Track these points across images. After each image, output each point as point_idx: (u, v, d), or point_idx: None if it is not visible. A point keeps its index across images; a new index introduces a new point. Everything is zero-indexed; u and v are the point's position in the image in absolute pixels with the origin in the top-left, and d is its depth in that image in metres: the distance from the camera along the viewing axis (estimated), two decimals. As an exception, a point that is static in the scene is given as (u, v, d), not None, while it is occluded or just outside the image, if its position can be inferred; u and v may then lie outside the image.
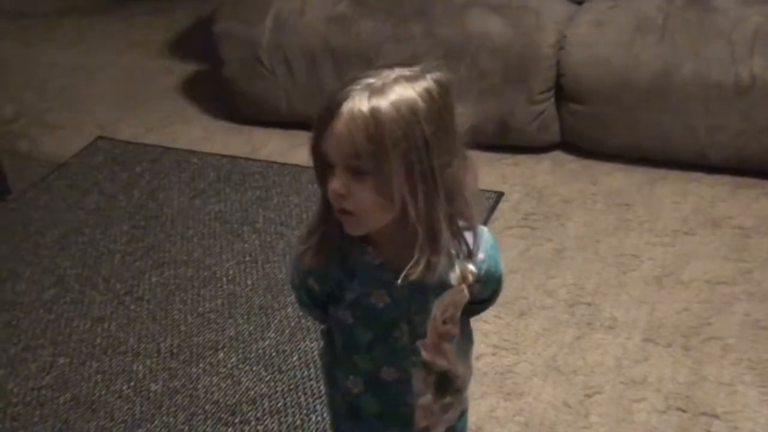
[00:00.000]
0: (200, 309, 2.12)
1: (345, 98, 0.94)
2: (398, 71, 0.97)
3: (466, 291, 1.10)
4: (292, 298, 2.12)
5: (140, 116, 3.15)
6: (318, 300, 1.17)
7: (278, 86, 2.81)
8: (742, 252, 2.12)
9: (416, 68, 0.99)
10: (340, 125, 0.94)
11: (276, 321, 2.06)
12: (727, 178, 2.38)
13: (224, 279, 2.22)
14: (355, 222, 1.01)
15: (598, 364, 1.88)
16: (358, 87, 0.95)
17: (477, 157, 2.98)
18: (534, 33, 2.47)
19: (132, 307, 2.15)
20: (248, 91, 2.88)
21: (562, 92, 2.50)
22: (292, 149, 2.84)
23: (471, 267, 1.09)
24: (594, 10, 2.48)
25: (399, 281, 1.02)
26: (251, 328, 2.05)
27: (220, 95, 3.08)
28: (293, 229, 2.40)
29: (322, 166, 0.99)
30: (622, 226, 2.30)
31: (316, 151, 0.99)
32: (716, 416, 1.70)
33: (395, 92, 0.95)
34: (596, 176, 2.51)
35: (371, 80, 0.96)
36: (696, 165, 2.43)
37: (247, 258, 2.29)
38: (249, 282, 2.20)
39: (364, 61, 2.66)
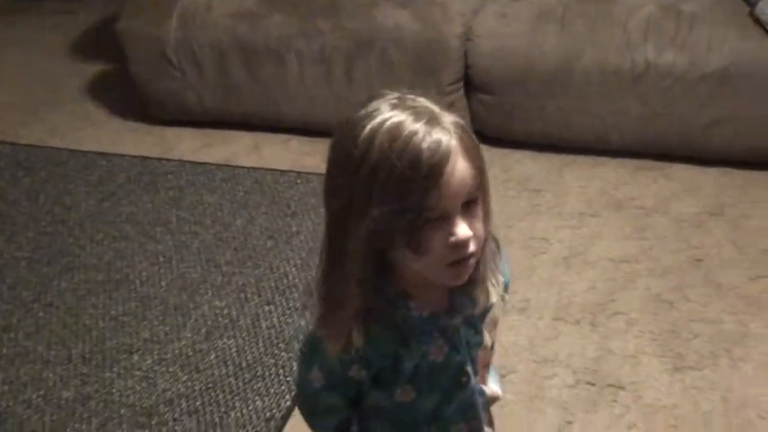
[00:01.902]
0: (113, 312, 2.08)
1: (433, 149, 0.82)
2: (402, 98, 0.88)
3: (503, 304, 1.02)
4: (209, 296, 2.11)
5: (45, 120, 3.06)
6: (352, 397, 1.00)
7: (188, 85, 2.78)
8: (643, 231, 2.21)
9: (394, 95, 0.89)
10: (450, 169, 0.82)
11: (192, 320, 2.04)
12: (628, 161, 2.47)
13: (137, 281, 2.18)
14: (473, 264, 0.88)
15: (512, 344, 1.93)
16: (418, 127, 0.83)
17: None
18: (441, 25, 2.51)
19: (40, 314, 2.09)
20: (157, 91, 2.84)
21: (470, 83, 2.55)
22: (205, 147, 2.81)
23: (500, 277, 1.00)
24: (498, 2, 2.54)
25: (475, 311, 0.94)
26: (166, 329, 2.02)
27: (128, 96, 3.02)
28: (207, 228, 2.38)
29: (402, 228, 0.84)
30: (532, 211, 2.36)
31: (408, 214, 0.83)
32: (622, 387, 1.77)
33: (439, 110, 0.87)
34: (507, 164, 2.57)
35: (410, 115, 0.84)
36: (600, 149, 2.51)
37: (161, 259, 2.26)
38: (163, 283, 2.17)
39: (274, 57, 2.66)
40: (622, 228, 2.24)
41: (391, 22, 2.53)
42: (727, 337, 1.85)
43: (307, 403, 1.05)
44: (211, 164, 2.69)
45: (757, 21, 2.21)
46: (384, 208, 0.82)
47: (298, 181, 2.56)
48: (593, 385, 1.78)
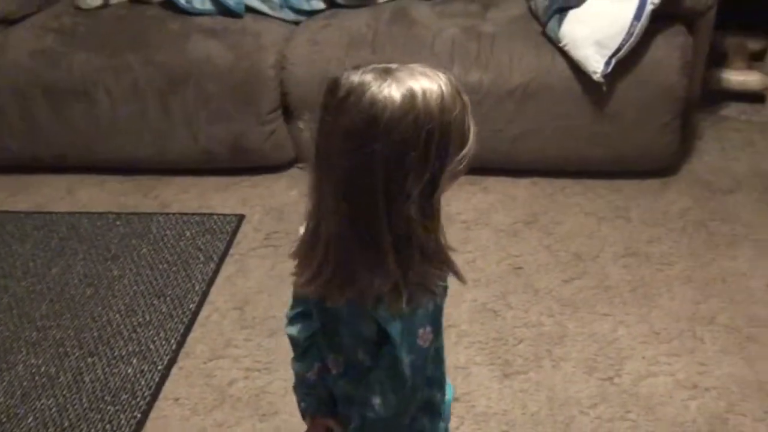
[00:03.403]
0: None
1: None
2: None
3: None
4: (24, 354, 1.97)
5: None
6: None
7: (-12, 129, 2.59)
8: (466, 244, 2.29)
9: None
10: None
11: (5, 383, 1.89)
12: (451, 178, 2.56)
13: (-60, 347, 2.00)
14: None
15: (348, 369, 1.93)
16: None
17: (214, 182, 2.95)
18: (255, 55, 2.49)
19: None
20: (-45, 138, 2.62)
21: (289, 111, 2.55)
22: (12, 196, 2.63)
23: None
24: (309, 30, 2.56)
25: None
26: (-23, 395, 1.86)
27: None
28: (19, 280, 2.22)
29: None
30: (360, 233, 2.38)
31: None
32: (456, 399, 1.81)
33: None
34: (332, 189, 2.58)
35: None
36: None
37: (-33, 319, 2.08)
38: (-30, 345, 2.00)
39: (82, 95, 2.54)
40: (449, 243, 2.30)
41: (203, 54, 2.48)
42: (548, 339, 1.95)
43: None
44: (20, 212, 2.52)
45: (549, 39, 2.37)
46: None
47: (118, 222, 2.45)
48: (428, 400, 1.82)
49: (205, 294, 2.17)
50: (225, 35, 2.53)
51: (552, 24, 2.35)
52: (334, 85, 0.92)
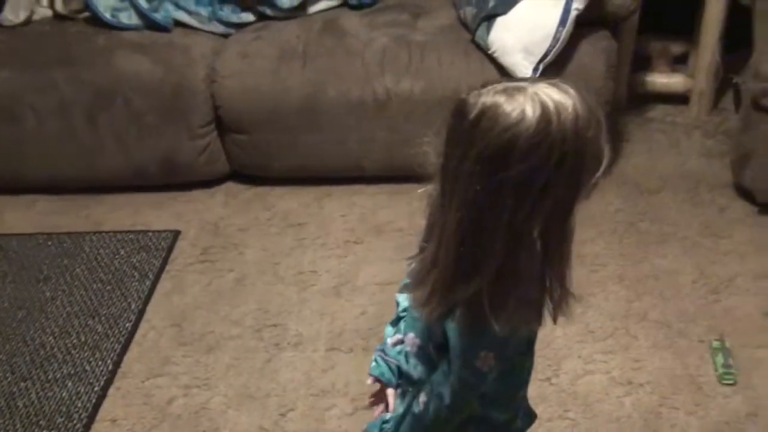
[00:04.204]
0: None
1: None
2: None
3: None
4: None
5: None
6: None
7: None
8: (404, 252, 2.26)
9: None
10: None
11: (-68, 414, 1.82)
12: (385, 186, 2.57)
13: None
14: None
15: (289, 381, 1.92)
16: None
17: (148, 198, 2.91)
18: (184, 69, 2.47)
19: None
20: None
21: (222, 124, 2.53)
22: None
23: None
24: (239, 43, 2.55)
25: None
26: None
27: None
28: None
29: None
30: (298, 245, 2.38)
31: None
32: (396, 407, 1.82)
33: None
34: (269, 201, 2.57)
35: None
36: (356, 178, 2.59)
37: None
38: None
39: (7, 114, 2.48)
40: (385, 251, 2.32)
41: (131, 69, 2.45)
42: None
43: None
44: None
45: (479, 46, 2.40)
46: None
47: (49, 243, 2.39)
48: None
49: (141, 312, 2.13)
50: (153, 50, 2.49)
51: (480, 32, 2.38)
52: (462, 105, 0.90)
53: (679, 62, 2.93)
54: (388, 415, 1.18)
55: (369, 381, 1.22)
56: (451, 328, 0.99)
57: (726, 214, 2.35)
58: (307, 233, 2.42)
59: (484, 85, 0.91)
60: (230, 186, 2.66)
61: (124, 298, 2.18)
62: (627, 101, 2.85)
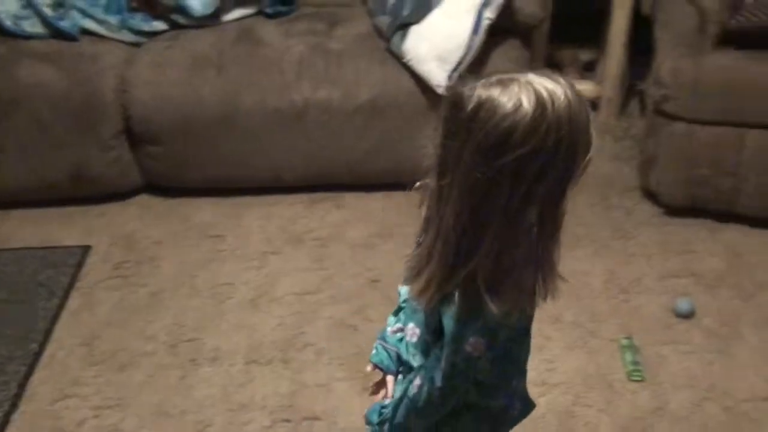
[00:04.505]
0: None
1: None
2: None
3: None
4: None
5: None
6: None
7: None
8: (323, 261, 2.28)
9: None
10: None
11: None
12: (303, 196, 2.55)
13: None
14: None
15: (206, 397, 1.88)
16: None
17: (57, 213, 2.81)
18: (93, 79, 2.39)
19: None
20: None
21: (134, 135, 2.46)
22: None
23: None
24: (151, 52, 2.49)
25: None
26: None
27: None
28: None
29: None
30: (215, 257, 2.33)
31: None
32: (317, 418, 1.80)
33: None
34: (186, 213, 2.51)
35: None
36: (276, 187, 2.56)
37: None
38: None
39: None
40: (303, 261, 2.30)
41: (35, 80, 2.36)
42: (407, 348, 1.97)
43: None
44: None
45: (394, 55, 2.41)
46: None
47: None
48: (289, 421, 1.80)
49: (48, 332, 2.05)
50: (59, 59, 2.41)
51: (395, 40, 2.39)
52: (459, 98, 0.92)
53: (587, 69, 3.01)
54: (387, 401, 1.19)
55: (368, 368, 1.25)
56: (447, 314, 1.02)
57: (633, 216, 2.42)
58: (225, 245, 2.38)
59: (478, 79, 0.95)
60: (144, 198, 2.59)
61: (30, 317, 2.09)
62: (540, 108, 2.90)
